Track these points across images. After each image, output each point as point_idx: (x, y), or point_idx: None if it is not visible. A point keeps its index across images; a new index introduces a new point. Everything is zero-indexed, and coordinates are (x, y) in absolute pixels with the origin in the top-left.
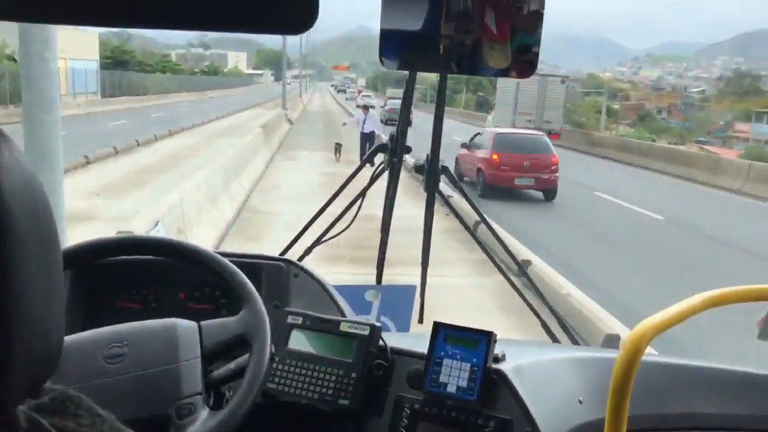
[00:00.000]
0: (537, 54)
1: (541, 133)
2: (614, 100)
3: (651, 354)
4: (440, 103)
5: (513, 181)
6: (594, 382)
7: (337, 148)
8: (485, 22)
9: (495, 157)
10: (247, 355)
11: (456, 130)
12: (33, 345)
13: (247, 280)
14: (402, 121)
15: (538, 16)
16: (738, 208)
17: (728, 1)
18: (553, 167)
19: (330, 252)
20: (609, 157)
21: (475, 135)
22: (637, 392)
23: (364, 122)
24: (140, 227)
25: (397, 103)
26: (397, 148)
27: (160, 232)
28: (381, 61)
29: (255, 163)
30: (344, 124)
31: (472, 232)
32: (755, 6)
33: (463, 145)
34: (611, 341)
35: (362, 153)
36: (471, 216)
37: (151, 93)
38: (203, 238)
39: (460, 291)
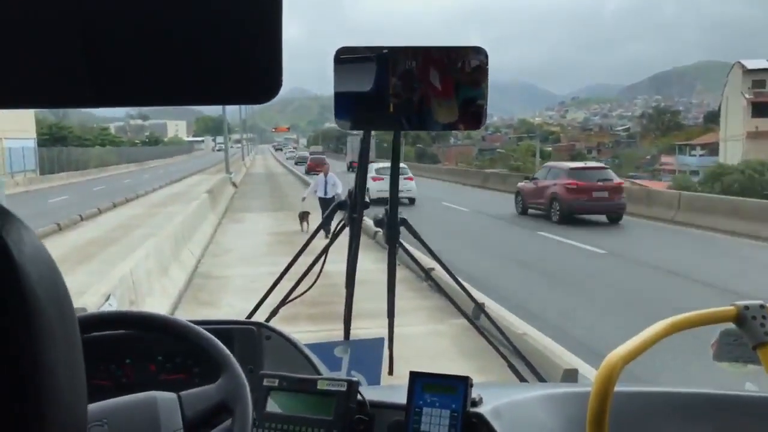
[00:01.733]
0: (482, 106)
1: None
2: (546, 143)
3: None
4: (395, 158)
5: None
6: (568, 417)
7: (303, 217)
8: (430, 80)
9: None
10: (227, 422)
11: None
12: (65, 420)
13: (224, 347)
14: (360, 177)
15: (481, 71)
16: (673, 236)
17: (641, 44)
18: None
19: (286, 312)
20: None
21: None
22: (610, 423)
23: (325, 186)
24: (91, 302)
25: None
26: (356, 205)
27: (113, 306)
28: (336, 122)
29: (203, 228)
30: (303, 198)
31: (434, 280)
32: (666, 48)
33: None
34: (570, 376)
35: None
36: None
37: (91, 167)
38: (156, 307)
39: (421, 339)
